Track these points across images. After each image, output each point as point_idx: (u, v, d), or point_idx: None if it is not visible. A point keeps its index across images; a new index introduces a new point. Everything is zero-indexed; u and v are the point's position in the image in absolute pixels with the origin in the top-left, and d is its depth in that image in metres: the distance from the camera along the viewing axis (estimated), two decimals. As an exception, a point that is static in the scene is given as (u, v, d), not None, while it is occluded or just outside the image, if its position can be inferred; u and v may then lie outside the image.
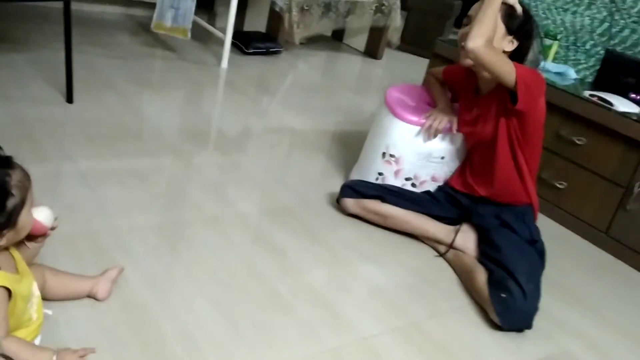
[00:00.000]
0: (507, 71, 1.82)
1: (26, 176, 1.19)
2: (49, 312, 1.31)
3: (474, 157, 2.14)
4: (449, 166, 2.23)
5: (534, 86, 1.87)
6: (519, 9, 1.92)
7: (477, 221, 2.05)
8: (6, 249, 1.22)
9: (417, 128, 2.14)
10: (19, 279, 1.20)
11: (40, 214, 1.27)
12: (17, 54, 2.93)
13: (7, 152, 1.82)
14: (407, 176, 2.22)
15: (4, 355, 0.78)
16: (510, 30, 1.91)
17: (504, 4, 1.87)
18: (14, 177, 1.15)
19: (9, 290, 1.15)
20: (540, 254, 1.95)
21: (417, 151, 2.17)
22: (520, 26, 1.92)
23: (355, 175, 2.37)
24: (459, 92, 2.22)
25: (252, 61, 3.89)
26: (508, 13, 1.89)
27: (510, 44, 1.93)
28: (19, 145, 2.05)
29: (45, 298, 1.34)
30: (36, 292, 1.27)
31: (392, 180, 2.22)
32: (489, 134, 2.00)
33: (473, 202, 2.12)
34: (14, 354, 1.15)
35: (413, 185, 2.22)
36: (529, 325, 1.75)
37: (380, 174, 2.24)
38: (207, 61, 3.63)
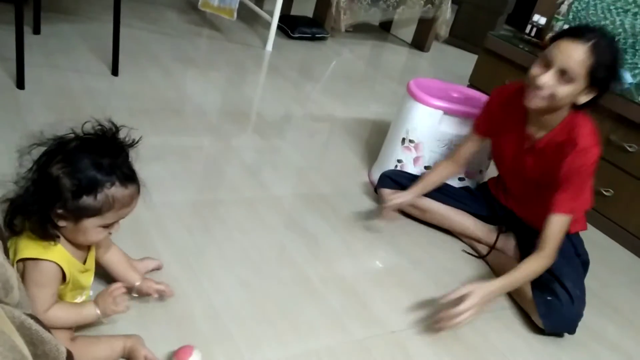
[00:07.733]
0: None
1: (128, 202, 1.14)
2: (90, 292, 1.32)
3: (511, 184, 1.96)
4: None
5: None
6: None
7: (519, 226, 1.98)
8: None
9: (438, 112, 2.09)
10: (83, 270, 1.21)
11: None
12: (67, 24, 2.97)
13: (52, 119, 1.82)
14: (426, 164, 2.17)
15: (41, 324, 0.77)
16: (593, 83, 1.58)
17: None
18: (114, 190, 1.10)
19: (63, 273, 1.14)
20: (584, 264, 1.88)
21: (437, 137, 2.13)
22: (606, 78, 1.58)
23: (376, 165, 2.34)
24: (501, 132, 1.90)
25: (297, 46, 3.86)
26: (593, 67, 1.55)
27: (586, 97, 1.62)
28: (63, 114, 2.08)
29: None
30: (90, 291, 1.28)
31: (411, 169, 2.17)
32: (534, 178, 1.83)
33: (511, 216, 2.02)
34: (62, 321, 1.15)
35: None
36: (572, 330, 1.70)
37: (399, 161, 2.20)
38: (252, 43, 3.62)
